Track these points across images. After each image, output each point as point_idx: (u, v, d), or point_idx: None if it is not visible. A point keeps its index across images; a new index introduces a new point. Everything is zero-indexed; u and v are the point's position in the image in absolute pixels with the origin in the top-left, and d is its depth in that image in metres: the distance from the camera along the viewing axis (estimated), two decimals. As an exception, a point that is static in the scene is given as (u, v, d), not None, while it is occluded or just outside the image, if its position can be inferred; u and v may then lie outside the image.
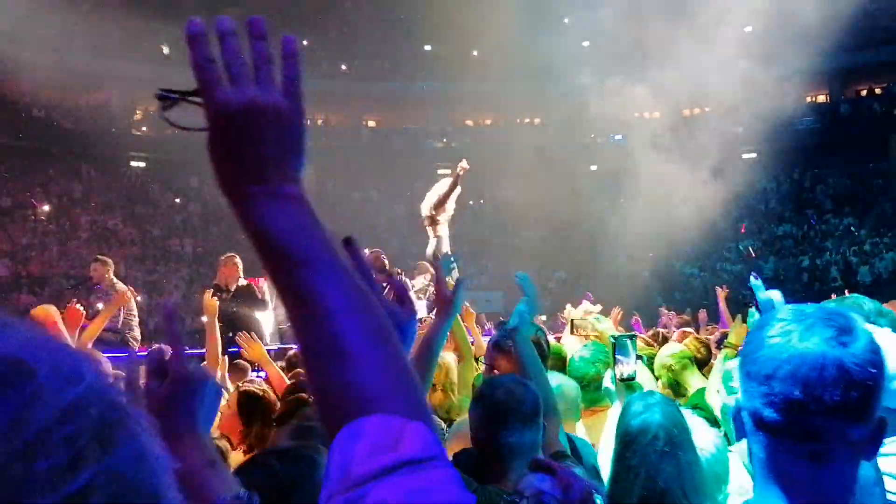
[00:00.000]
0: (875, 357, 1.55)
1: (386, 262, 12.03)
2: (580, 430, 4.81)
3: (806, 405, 1.51)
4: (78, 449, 0.72)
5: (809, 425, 1.53)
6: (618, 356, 4.62)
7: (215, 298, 8.54)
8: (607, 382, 5.18)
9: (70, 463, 0.71)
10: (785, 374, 1.53)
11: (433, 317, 3.35)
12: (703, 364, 6.41)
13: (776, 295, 2.79)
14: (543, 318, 13.70)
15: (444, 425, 5.24)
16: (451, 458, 3.44)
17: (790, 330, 1.57)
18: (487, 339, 7.53)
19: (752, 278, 2.94)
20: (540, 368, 3.85)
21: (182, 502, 0.82)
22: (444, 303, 3.30)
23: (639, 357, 4.85)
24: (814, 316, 1.59)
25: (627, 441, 3.05)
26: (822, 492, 1.57)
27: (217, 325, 7.48)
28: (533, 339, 4.13)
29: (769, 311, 2.78)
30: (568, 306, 9.83)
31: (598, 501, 2.84)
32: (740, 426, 1.66)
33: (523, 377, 3.57)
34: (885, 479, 2.33)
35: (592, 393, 5.15)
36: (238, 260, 11.90)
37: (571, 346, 6.48)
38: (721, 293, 11.09)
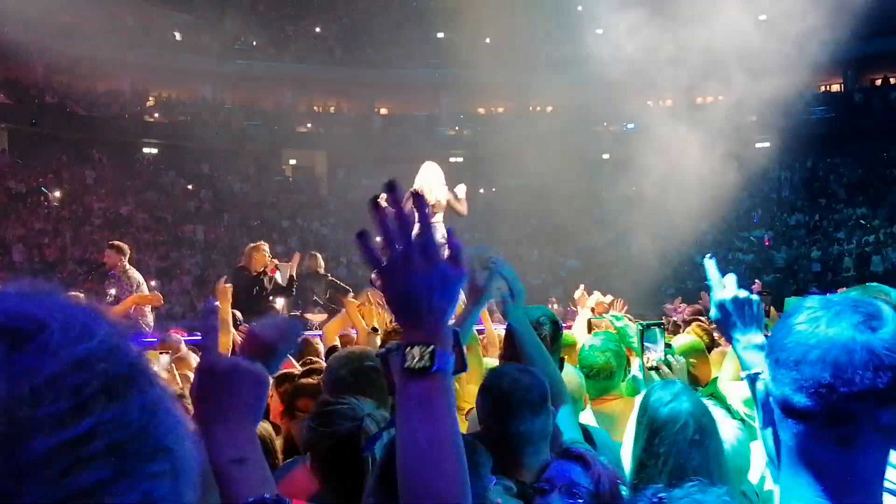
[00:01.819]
0: None
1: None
2: (588, 420, 4.79)
3: (836, 388, 1.51)
4: (84, 398, 0.77)
5: (839, 409, 1.52)
6: (646, 344, 4.60)
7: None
8: (635, 371, 5.17)
9: (74, 410, 0.76)
10: (815, 358, 1.53)
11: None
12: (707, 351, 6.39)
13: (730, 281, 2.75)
14: (556, 305, 13.68)
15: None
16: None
17: (818, 316, 1.57)
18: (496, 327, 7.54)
19: (706, 258, 2.90)
20: (542, 353, 3.82)
21: (199, 458, 0.88)
22: (475, 292, 3.31)
23: (668, 345, 4.84)
24: (841, 303, 1.59)
25: (656, 429, 3.05)
26: (851, 477, 1.57)
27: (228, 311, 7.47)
28: (532, 324, 4.09)
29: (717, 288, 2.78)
30: (581, 288, 9.77)
31: (623, 491, 2.86)
32: (768, 414, 1.66)
33: (527, 364, 3.57)
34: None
35: (602, 382, 5.12)
36: (266, 248, 12.03)
37: (581, 333, 6.45)
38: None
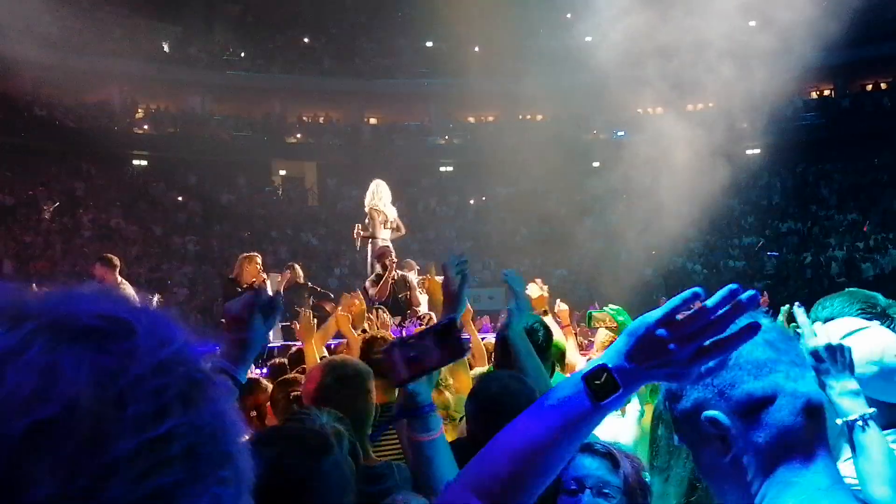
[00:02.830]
0: None
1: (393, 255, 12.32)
2: None
3: None
4: (164, 401, 0.81)
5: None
6: None
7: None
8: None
9: (156, 412, 0.80)
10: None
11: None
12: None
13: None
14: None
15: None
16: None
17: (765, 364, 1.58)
18: (483, 336, 7.50)
19: (795, 307, 2.90)
20: (536, 363, 3.81)
21: (252, 471, 0.91)
22: (450, 299, 3.28)
23: None
24: (788, 351, 1.63)
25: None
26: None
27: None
28: (526, 330, 4.09)
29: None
30: (558, 301, 9.78)
31: (646, 478, 2.82)
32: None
33: (519, 372, 3.55)
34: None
35: None
36: (259, 260, 12.00)
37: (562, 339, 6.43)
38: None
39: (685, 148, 27.05)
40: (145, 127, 43.55)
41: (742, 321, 1.45)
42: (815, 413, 1.55)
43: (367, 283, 12.62)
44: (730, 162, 29.30)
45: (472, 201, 43.85)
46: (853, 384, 2.55)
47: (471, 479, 1.55)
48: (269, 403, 5.15)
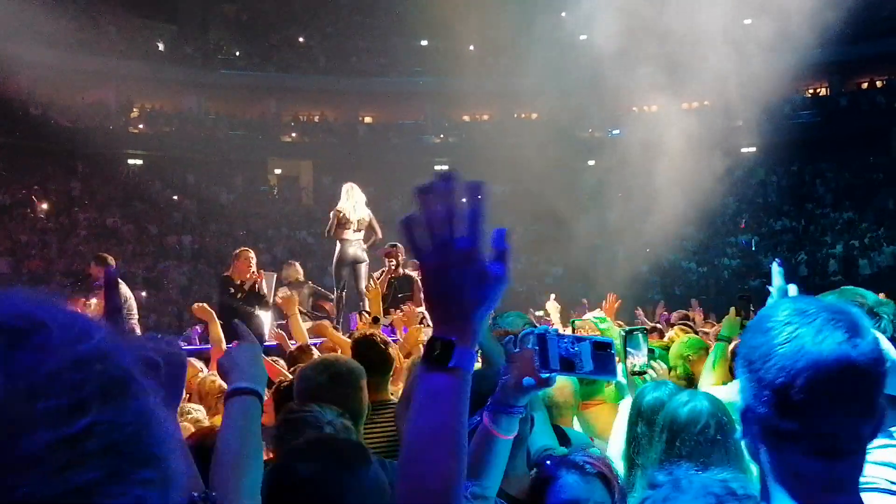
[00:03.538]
0: (880, 353, 1.53)
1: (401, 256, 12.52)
2: (575, 424, 4.79)
3: (823, 411, 1.48)
4: (81, 396, 0.79)
5: (825, 428, 1.50)
6: (629, 349, 4.59)
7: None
8: (619, 376, 5.17)
9: (72, 407, 0.78)
10: (802, 383, 1.49)
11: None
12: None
13: (793, 290, 2.76)
14: (540, 313, 13.65)
15: None
16: None
17: (800, 334, 1.52)
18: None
19: (774, 264, 2.91)
20: (497, 347, 3.79)
21: (188, 471, 0.88)
22: None
23: (651, 350, 4.83)
24: (818, 314, 1.54)
25: (676, 430, 3.06)
26: (833, 485, 1.55)
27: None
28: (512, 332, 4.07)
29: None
30: (552, 297, 9.80)
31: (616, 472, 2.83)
32: (749, 428, 1.62)
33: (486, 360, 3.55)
34: (886, 469, 2.32)
35: (586, 387, 5.11)
36: (251, 255, 11.95)
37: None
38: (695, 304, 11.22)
39: (680, 146, 27.05)
40: (141, 126, 43.49)
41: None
42: None
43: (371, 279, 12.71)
44: (725, 160, 29.33)
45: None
46: None
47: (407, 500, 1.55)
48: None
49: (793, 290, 2.79)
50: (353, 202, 13.83)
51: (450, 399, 1.53)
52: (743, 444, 1.72)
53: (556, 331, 2.40)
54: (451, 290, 1.53)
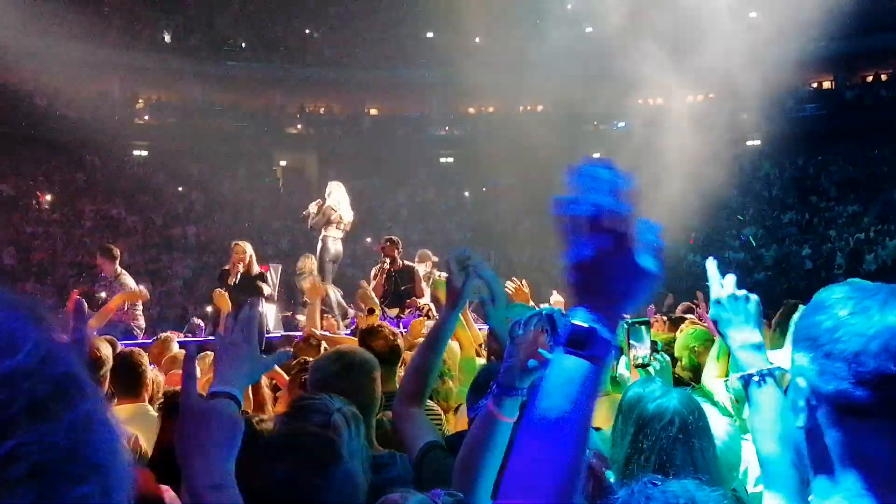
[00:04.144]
0: None
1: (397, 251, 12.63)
2: None
3: None
4: (5, 418, 0.73)
5: None
6: (632, 341, 4.58)
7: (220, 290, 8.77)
8: (621, 368, 5.18)
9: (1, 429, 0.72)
10: (877, 348, 1.47)
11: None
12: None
13: (730, 279, 2.74)
14: (545, 306, 13.66)
15: (440, 411, 5.31)
16: (448, 441, 3.44)
17: (867, 305, 1.52)
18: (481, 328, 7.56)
19: (708, 260, 2.89)
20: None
21: (131, 468, 0.83)
22: (453, 296, 3.29)
23: (654, 342, 4.83)
24: (879, 290, 1.55)
25: (642, 424, 3.06)
26: None
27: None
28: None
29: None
30: (554, 293, 9.83)
31: (609, 476, 2.83)
32: (812, 415, 1.60)
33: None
34: None
35: None
36: (243, 247, 12.00)
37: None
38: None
39: (685, 139, 27.03)
40: (146, 117, 43.55)
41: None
42: None
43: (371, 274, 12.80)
44: (730, 152, 29.32)
45: (472, 193, 43.80)
46: (756, 337, 2.50)
47: (521, 487, 1.47)
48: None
49: (730, 279, 2.78)
50: (346, 202, 14.17)
51: (587, 384, 1.49)
52: (718, 447, 1.69)
53: (561, 311, 2.41)
54: (607, 283, 1.50)
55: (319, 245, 14.16)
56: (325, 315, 11.75)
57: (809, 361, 1.59)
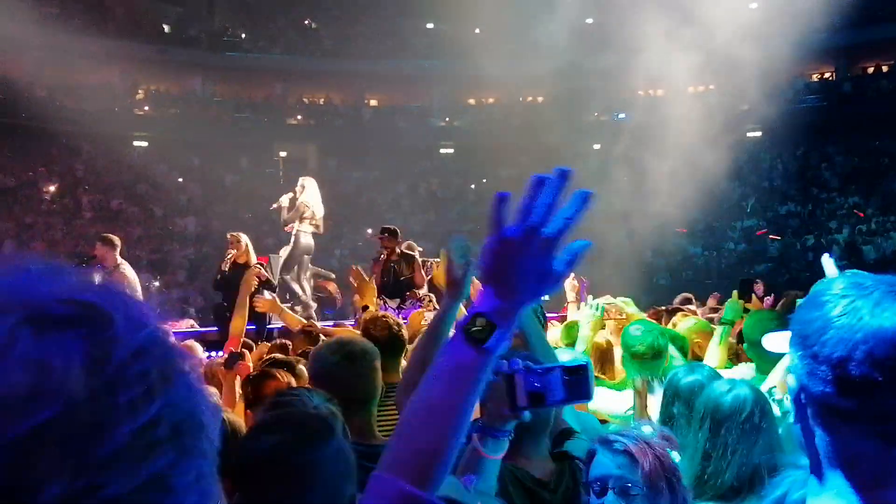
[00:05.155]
0: None
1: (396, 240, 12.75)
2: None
3: (884, 387, 1.44)
4: (149, 384, 0.81)
5: (887, 407, 1.45)
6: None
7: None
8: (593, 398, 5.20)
9: (143, 396, 0.80)
10: (861, 356, 1.44)
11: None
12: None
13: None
14: (546, 297, 13.69)
15: None
16: None
17: (857, 306, 1.49)
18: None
19: (826, 256, 2.94)
20: (544, 342, 3.80)
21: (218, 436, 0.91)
22: (453, 285, 3.28)
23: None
24: (875, 288, 1.51)
25: (720, 419, 3.10)
26: (887, 473, 1.51)
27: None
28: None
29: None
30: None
31: (674, 460, 2.83)
32: (802, 411, 1.59)
33: (529, 351, 3.54)
34: None
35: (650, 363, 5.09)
36: (237, 236, 12.06)
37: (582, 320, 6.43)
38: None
39: (686, 130, 26.98)
40: (146, 108, 43.51)
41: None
42: None
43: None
44: (731, 144, 29.26)
45: (473, 184, 43.78)
46: None
47: (393, 462, 1.58)
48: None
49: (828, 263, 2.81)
50: (318, 198, 14.49)
51: (471, 379, 1.55)
52: (793, 430, 1.69)
53: (527, 365, 2.41)
54: (517, 275, 1.56)
55: (292, 240, 14.42)
56: (294, 308, 11.86)
57: (799, 360, 1.58)
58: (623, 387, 5.33)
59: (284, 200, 14.74)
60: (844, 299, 1.51)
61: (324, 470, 2.35)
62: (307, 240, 14.49)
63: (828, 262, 2.87)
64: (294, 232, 14.37)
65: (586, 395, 2.43)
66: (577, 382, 2.38)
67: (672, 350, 5.32)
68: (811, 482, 1.62)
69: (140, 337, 0.82)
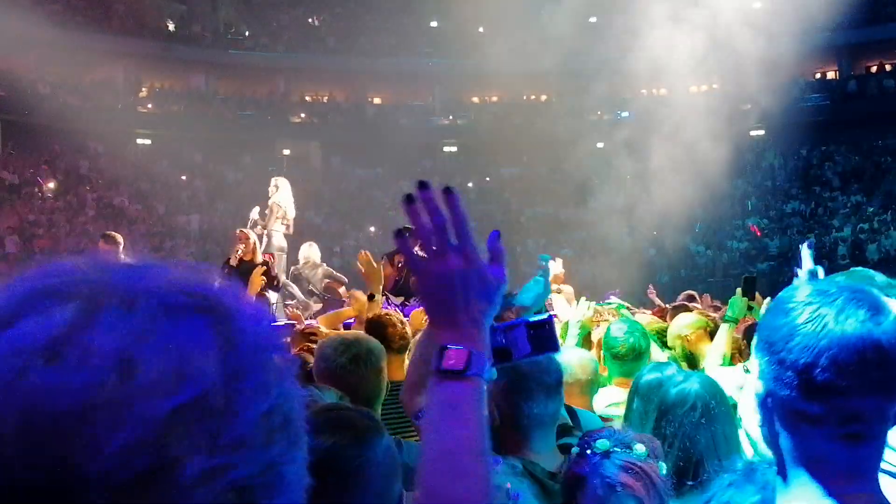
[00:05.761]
0: None
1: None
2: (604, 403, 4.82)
3: (848, 391, 1.48)
4: (267, 374, 0.84)
5: (851, 410, 1.50)
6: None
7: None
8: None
9: (264, 385, 0.83)
10: (826, 362, 1.49)
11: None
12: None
13: (822, 273, 2.77)
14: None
15: None
16: None
17: (823, 314, 1.52)
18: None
19: (804, 247, 2.93)
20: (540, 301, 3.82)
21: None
22: None
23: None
24: (839, 295, 1.54)
25: (664, 410, 3.09)
26: (856, 469, 1.56)
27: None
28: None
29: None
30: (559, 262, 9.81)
31: (661, 470, 2.83)
32: (768, 415, 1.62)
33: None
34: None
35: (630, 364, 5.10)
36: (247, 233, 12.08)
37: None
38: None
39: (689, 129, 26.98)
40: (149, 105, 43.52)
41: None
42: None
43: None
44: (734, 142, 29.26)
45: (475, 182, 43.77)
46: None
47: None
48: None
49: (822, 273, 2.81)
50: (291, 199, 14.75)
51: (472, 408, 1.51)
52: (760, 433, 1.71)
53: (490, 324, 2.43)
54: (456, 296, 1.52)
55: (264, 240, 14.47)
56: (288, 305, 11.85)
57: (766, 365, 1.61)
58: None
59: (255, 213, 14.97)
60: (810, 307, 1.55)
61: (377, 468, 2.37)
62: (279, 239, 14.77)
63: (805, 255, 2.87)
64: (266, 232, 14.51)
65: (553, 348, 2.43)
66: (543, 336, 2.39)
67: (655, 348, 5.32)
68: (777, 481, 1.65)
69: (259, 329, 0.86)
